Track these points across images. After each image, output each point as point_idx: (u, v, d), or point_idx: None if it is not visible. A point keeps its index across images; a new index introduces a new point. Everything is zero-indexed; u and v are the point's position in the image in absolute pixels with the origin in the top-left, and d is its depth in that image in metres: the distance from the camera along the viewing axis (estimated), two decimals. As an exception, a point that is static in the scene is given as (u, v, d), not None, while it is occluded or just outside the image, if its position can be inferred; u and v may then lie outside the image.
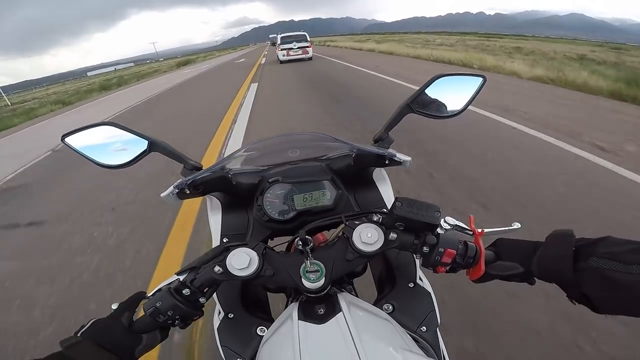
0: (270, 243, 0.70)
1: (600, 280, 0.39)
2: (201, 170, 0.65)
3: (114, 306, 0.53)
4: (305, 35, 16.97)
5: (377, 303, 0.62)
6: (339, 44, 32.03)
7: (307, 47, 16.59)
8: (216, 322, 0.63)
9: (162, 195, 0.62)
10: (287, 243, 0.86)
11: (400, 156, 0.63)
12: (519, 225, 0.55)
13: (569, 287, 0.43)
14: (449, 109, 0.70)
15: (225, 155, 0.67)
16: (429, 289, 0.64)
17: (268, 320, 0.63)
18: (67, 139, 0.65)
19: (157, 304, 0.50)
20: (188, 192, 0.62)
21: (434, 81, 0.67)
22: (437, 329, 0.60)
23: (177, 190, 0.60)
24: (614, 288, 0.38)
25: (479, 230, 0.54)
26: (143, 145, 0.66)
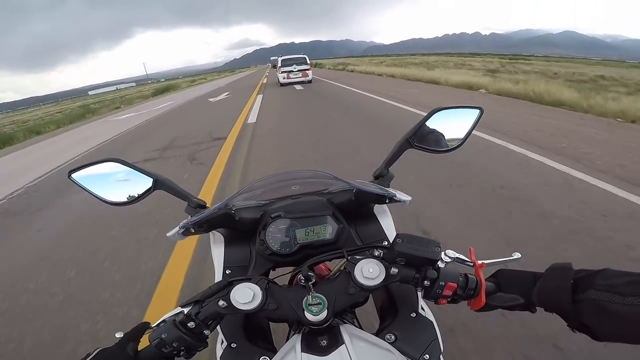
0: (272, 274, 0.71)
1: (598, 311, 0.41)
2: (205, 210, 0.67)
3: (118, 335, 0.53)
4: (305, 58, 17.01)
5: (380, 333, 0.62)
6: (361, 67, 25.36)
7: (307, 69, 16.66)
8: (219, 352, 0.63)
9: (168, 234, 0.64)
10: (289, 274, 0.86)
11: (400, 196, 0.65)
12: (519, 255, 0.56)
13: (568, 317, 0.44)
14: (448, 142, 0.71)
15: (227, 196, 0.68)
16: (431, 317, 0.64)
17: (270, 350, 0.63)
18: (73, 175, 0.67)
19: (163, 336, 0.51)
20: (193, 230, 0.63)
21: (432, 115, 0.69)
22: (440, 357, 0.60)
23: (182, 230, 0.62)
24: (612, 318, 0.40)
25: (479, 262, 0.54)
26: (148, 182, 0.67)
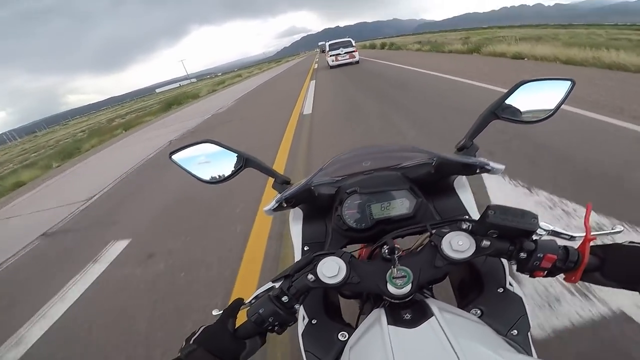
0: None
1: None
2: (291, 186, 0.70)
3: (215, 312, 0.57)
4: (350, 41, 17.68)
5: (464, 308, 0.60)
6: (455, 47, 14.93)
7: (353, 51, 17.20)
8: (300, 328, 0.65)
9: (264, 209, 0.68)
10: (358, 250, 0.87)
11: (493, 164, 0.61)
12: (622, 228, 0.53)
13: None
14: (535, 113, 0.68)
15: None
16: (520, 293, 0.62)
17: (347, 326, 0.64)
18: (173, 156, 0.74)
19: (260, 311, 0.53)
20: (285, 205, 0.67)
21: (518, 87, 0.65)
22: (529, 333, 0.58)
23: (277, 204, 0.66)
24: None
25: (578, 234, 0.52)
26: (239, 160, 0.72)
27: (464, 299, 0.66)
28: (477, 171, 0.62)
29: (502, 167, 0.62)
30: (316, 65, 24.50)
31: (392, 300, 0.55)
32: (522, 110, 0.67)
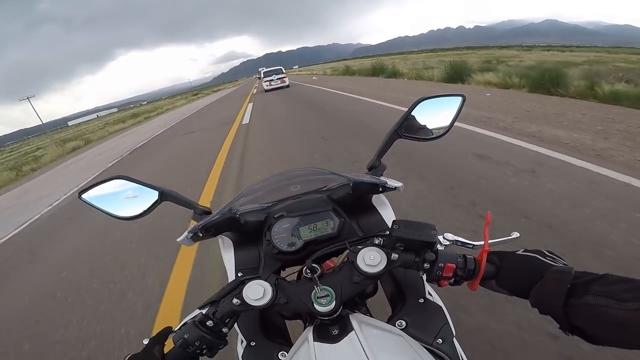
0: (283, 274, 0.73)
1: (593, 316, 0.42)
2: (211, 215, 0.70)
3: (146, 341, 0.56)
4: (281, 69, 22.10)
5: (390, 320, 0.63)
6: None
7: (284, 77, 21.34)
8: (240, 351, 0.66)
9: (177, 240, 0.67)
10: (297, 272, 0.88)
11: (392, 183, 0.68)
12: (518, 235, 0.58)
13: (559, 320, 0.46)
14: (434, 130, 0.75)
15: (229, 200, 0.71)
16: (440, 302, 0.66)
17: (288, 345, 0.65)
18: (83, 195, 0.70)
19: (185, 336, 0.54)
20: (201, 235, 0.67)
21: (417, 104, 0.72)
22: (454, 340, 0.62)
23: (191, 235, 0.65)
24: (608, 323, 0.41)
25: (479, 243, 0.57)
26: (154, 195, 0.71)
27: (394, 310, 0.69)
28: (380, 190, 0.69)
29: (400, 184, 0.68)
30: (255, 90, 26.25)
31: (322, 318, 0.58)
32: (422, 126, 0.74)
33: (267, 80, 21.26)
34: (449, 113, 0.74)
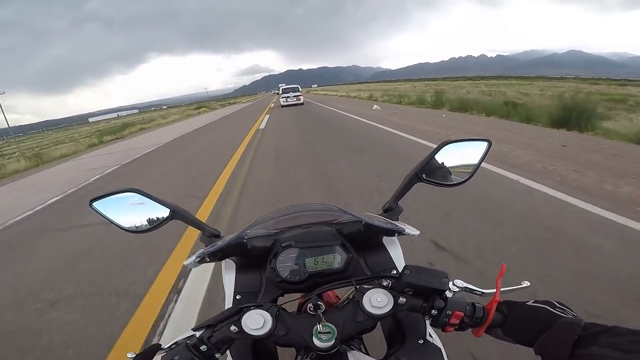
0: (281, 299, 0.73)
1: None
2: (218, 240, 0.70)
3: (130, 355, 0.55)
4: (298, 87, 24.63)
5: (387, 358, 0.63)
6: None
7: (300, 95, 23.84)
8: None
9: (184, 263, 0.68)
10: (296, 300, 0.87)
11: (409, 230, 0.67)
12: (528, 284, 0.57)
13: None
14: (456, 175, 0.73)
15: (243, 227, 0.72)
16: (439, 344, 0.65)
17: None
18: (94, 204, 0.71)
19: (175, 358, 0.52)
20: (208, 260, 0.67)
21: (441, 148, 0.71)
22: None
23: (198, 259, 0.66)
24: None
25: (489, 291, 0.56)
26: (165, 212, 0.71)
27: (390, 348, 0.68)
28: (396, 235, 0.69)
29: (417, 232, 0.68)
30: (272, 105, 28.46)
31: (319, 352, 0.57)
32: (444, 170, 0.72)
33: (285, 97, 23.67)
34: (474, 158, 0.73)
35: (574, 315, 0.50)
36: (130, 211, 0.72)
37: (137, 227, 0.73)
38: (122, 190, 0.71)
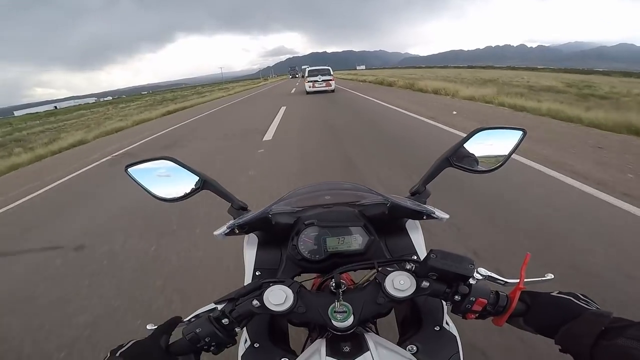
0: (298, 278, 0.74)
1: (620, 357, 0.41)
2: (246, 213, 0.73)
3: (149, 326, 0.57)
4: (329, 69, 18.91)
5: (402, 344, 0.63)
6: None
7: (330, 80, 18.48)
8: (241, 350, 0.67)
9: (215, 233, 0.70)
10: (312, 279, 0.89)
11: (439, 213, 0.67)
12: (552, 276, 0.57)
13: (582, 359, 0.45)
14: (488, 162, 0.73)
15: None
16: (455, 332, 0.65)
17: (290, 352, 0.66)
18: (130, 169, 0.75)
19: (197, 330, 0.54)
20: (237, 231, 0.70)
21: (474, 134, 0.71)
22: None
23: (228, 230, 0.68)
24: None
25: (511, 280, 0.57)
26: (196, 181, 0.74)
27: (404, 334, 0.69)
28: (424, 217, 0.69)
29: (446, 216, 0.68)
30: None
31: (335, 332, 0.57)
32: (475, 157, 0.72)
33: (311, 81, 18.67)
34: (506, 146, 0.72)
35: (597, 307, 0.50)
36: (163, 179, 0.75)
37: (167, 196, 0.76)
38: (156, 157, 0.74)
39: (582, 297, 0.52)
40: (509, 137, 0.72)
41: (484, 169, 0.73)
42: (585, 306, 0.49)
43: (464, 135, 0.72)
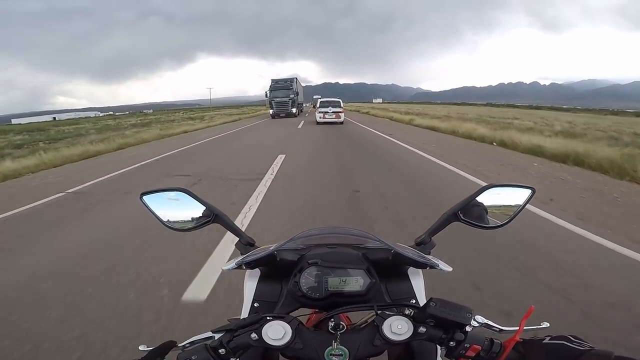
0: (294, 313, 0.76)
1: None
2: (253, 249, 0.78)
3: (142, 348, 0.59)
4: (339, 101, 20.62)
5: None
6: None
7: (340, 112, 19.94)
8: None
9: (223, 267, 0.76)
10: (308, 315, 0.92)
11: (443, 266, 0.70)
12: (548, 325, 0.60)
13: None
14: (495, 219, 0.77)
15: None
16: None
17: None
18: (144, 197, 0.80)
19: (193, 357, 0.56)
20: (244, 267, 0.75)
21: (483, 190, 0.75)
22: None
23: (236, 266, 0.74)
24: None
25: (507, 328, 0.60)
26: (207, 215, 0.80)
27: None
28: (427, 268, 0.73)
29: (449, 268, 0.71)
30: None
31: None
32: (483, 213, 0.76)
33: (322, 112, 19.77)
34: (514, 204, 0.76)
35: (591, 347, 0.51)
36: (175, 209, 0.80)
37: (177, 226, 0.81)
38: (171, 188, 0.79)
39: (573, 339, 0.53)
40: (518, 195, 0.76)
41: (491, 225, 0.77)
42: (580, 348, 0.51)
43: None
